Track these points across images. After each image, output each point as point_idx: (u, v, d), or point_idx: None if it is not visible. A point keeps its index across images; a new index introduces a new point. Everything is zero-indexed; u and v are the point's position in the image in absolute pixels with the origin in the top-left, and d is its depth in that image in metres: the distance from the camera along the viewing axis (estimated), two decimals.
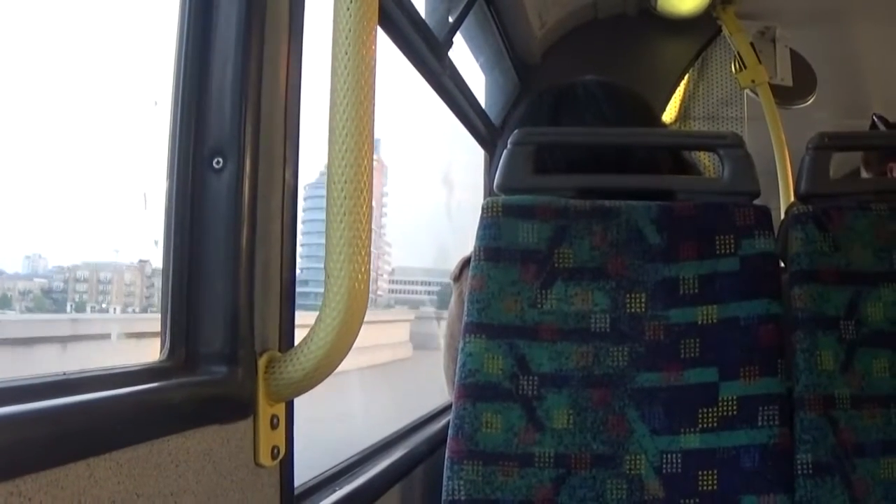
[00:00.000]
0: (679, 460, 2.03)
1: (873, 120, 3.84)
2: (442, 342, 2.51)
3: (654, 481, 2.03)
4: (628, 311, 2.09)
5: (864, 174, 3.71)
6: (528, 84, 4.09)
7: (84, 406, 1.07)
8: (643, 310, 2.09)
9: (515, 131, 2.18)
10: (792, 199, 2.33)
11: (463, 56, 3.61)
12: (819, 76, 4.57)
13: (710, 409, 2.04)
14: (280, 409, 1.47)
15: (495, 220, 2.10)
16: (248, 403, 1.40)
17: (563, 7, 4.06)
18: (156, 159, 1.43)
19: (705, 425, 2.04)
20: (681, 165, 2.36)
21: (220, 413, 1.33)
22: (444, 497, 2.02)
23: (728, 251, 2.10)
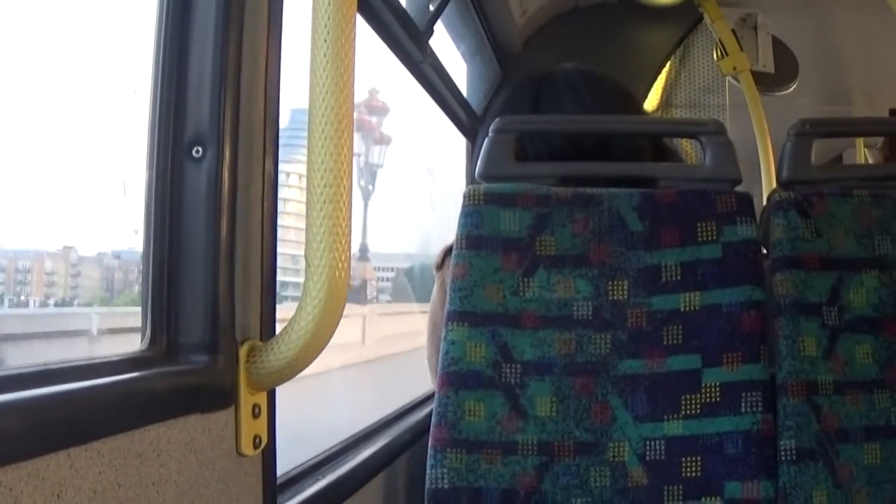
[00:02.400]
0: (662, 447, 2.03)
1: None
2: (425, 331, 2.51)
3: (638, 468, 2.03)
4: (611, 298, 2.10)
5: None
6: (509, 72, 4.09)
7: (65, 396, 1.07)
8: (625, 297, 2.10)
9: (497, 119, 2.18)
10: (774, 185, 2.33)
11: (444, 44, 3.61)
12: (801, 63, 4.59)
13: (693, 396, 2.04)
14: (262, 399, 1.47)
15: (477, 208, 2.10)
16: (230, 392, 1.40)
17: None
18: (135, 148, 1.42)
19: (688, 412, 2.04)
20: (662, 153, 2.36)
21: (201, 402, 1.33)
22: (427, 485, 2.02)
23: (710, 238, 2.10)
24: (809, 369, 2.05)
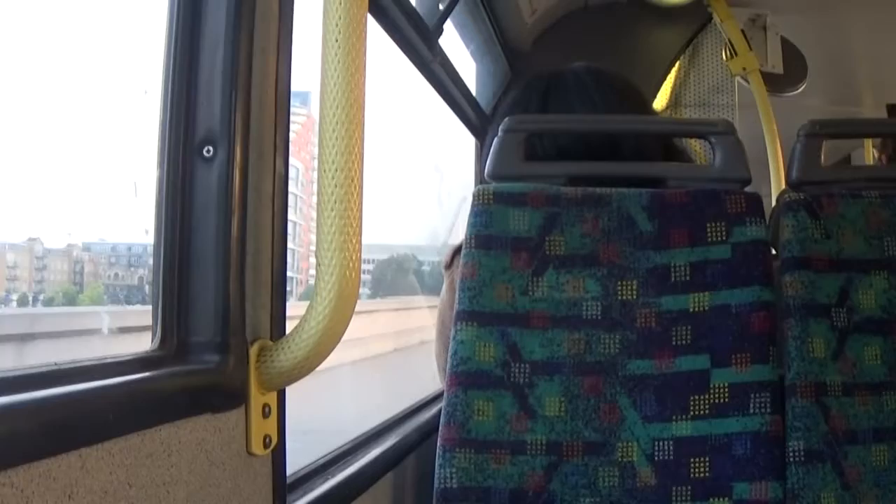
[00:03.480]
0: (671, 447, 2.03)
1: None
2: (433, 330, 2.52)
3: (646, 468, 2.03)
4: (620, 298, 2.10)
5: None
6: (518, 71, 4.08)
7: (76, 396, 1.07)
8: (634, 297, 2.10)
9: (506, 119, 2.18)
10: (783, 186, 2.33)
11: (453, 43, 3.61)
12: (810, 64, 4.58)
13: (702, 397, 2.04)
14: (272, 398, 1.47)
15: (486, 208, 2.10)
16: (240, 392, 1.40)
17: None
18: (146, 148, 1.43)
19: (697, 412, 2.04)
20: (671, 153, 2.36)
21: (211, 402, 1.33)
22: (435, 485, 2.02)
23: (719, 238, 2.10)
24: (818, 370, 2.05)
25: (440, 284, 2.54)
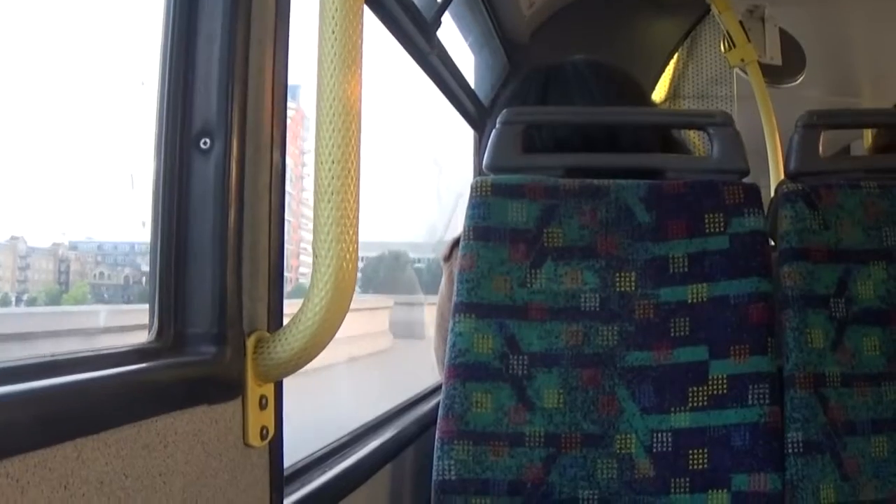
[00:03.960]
0: (669, 439, 2.03)
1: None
2: (433, 322, 2.52)
3: (645, 460, 2.03)
4: (618, 289, 2.10)
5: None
6: (517, 63, 4.08)
7: (72, 387, 1.07)
8: (633, 288, 2.10)
9: (504, 111, 2.19)
10: (781, 177, 2.33)
11: (451, 36, 3.61)
12: (808, 55, 4.57)
13: (701, 388, 2.04)
14: (269, 390, 1.47)
15: (484, 200, 2.10)
16: (237, 384, 1.40)
17: None
18: (143, 140, 1.42)
19: (695, 404, 2.04)
20: (670, 144, 2.36)
21: (208, 393, 1.33)
22: (434, 477, 2.02)
23: (718, 229, 2.10)
24: (817, 361, 2.05)
25: (436, 281, 2.54)
